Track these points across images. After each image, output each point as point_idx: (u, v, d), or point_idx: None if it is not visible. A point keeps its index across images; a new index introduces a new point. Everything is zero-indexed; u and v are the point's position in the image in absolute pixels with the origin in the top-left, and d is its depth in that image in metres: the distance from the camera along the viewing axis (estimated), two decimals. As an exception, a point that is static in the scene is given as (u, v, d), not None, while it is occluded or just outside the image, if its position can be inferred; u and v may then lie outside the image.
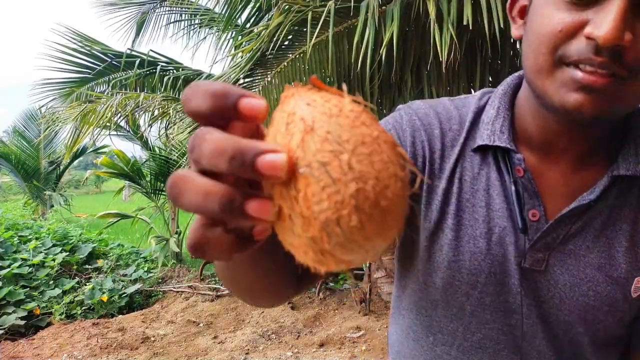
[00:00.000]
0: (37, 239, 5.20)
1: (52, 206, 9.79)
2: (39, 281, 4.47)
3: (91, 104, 4.30)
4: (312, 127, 0.24)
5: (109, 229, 6.96)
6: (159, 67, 5.12)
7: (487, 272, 0.56)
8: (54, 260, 4.79)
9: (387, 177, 0.23)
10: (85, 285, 4.61)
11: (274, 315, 4.12)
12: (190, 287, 4.95)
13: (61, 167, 10.56)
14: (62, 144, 6.00)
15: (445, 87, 3.11)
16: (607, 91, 0.44)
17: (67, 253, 5.16)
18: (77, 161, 11.65)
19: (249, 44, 3.23)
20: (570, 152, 0.54)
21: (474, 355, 0.59)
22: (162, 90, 4.91)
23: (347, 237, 0.23)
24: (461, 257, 0.57)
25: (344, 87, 0.26)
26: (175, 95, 4.91)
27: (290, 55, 3.20)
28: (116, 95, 4.37)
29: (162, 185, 6.37)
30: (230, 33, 4.31)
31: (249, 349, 3.44)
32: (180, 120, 3.83)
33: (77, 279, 4.82)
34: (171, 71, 5.16)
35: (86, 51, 5.19)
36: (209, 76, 4.54)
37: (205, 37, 5.07)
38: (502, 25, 2.15)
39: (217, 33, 4.68)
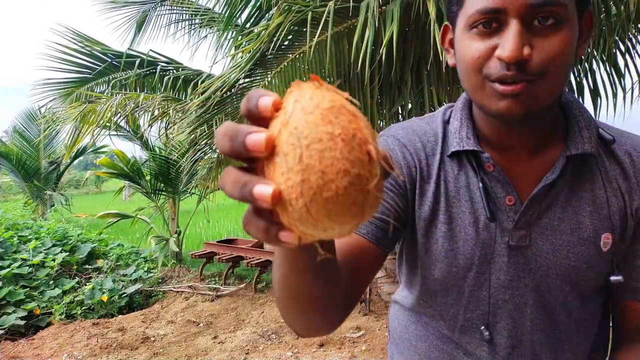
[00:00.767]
0: (37, 239, 5.19)
1: (53, 205, 9.79)
2: (39, 281, 4.47)
3: (91, 104, 4.31)
4: (288, 121, 0.28)
5: (108, 229, 6.96)
6: (159, 67, 5.12)
7: (480, 254, 0.65)
8: (54, 260, 4.78)
9: (333, 172, 0.27)
10: (85, 285, 4.61)
11: (274, 315, 4.12)
12: (190, 287, 4.96)
13: (61, 167, 10.56)
14: (62, 144, 6.00)
15: (445, 87, 3.11)
16: (524, 94, 0.55)
17: (67, 253, 5.16)
18: (77, 161, 11.65)
19: (249, 44, 3.23)
20: (525, 146, 0.64)
21: (475, 332, 0.68)
22: (162, 90, 4.91)
23: (299, 216, 0.28)
24: (456, 245, 0.66)
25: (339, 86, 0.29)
26: (175, 95, 4.91)
27: (290, 55, 3.20)
28: (116, 95, 4.37)
29: (162, 185, 6.38)
30: (230, 33, 4.32)
31: (249, 349, 3.44)
32: (180, 120, 3.83)
33: (77, 279, 4.83)
34: (171, 71, 5.15)
35: (86, 51, 5.19)
36: (209, 76, 4.54)
37: (205, 37, 5.08)
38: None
39: (217, 33, 4.68)
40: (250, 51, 3.19)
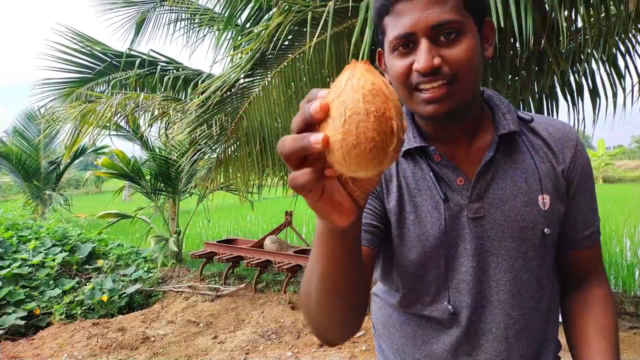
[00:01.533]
0: (36, 239, 5.19)
1: (52, 206, 9.79)
2: (39, 281, 4.47)
3: (91, 104, 4.30)
4: (340, 93, 0.39)
5: (108, 229, 6.96)
6: (159, 67, 5.12)
7: (446, 231, 0.76)
8: (53, 260, 4.78)
9: (363, 138, 0.38)
10: (85, 285, 4.61)
11: (274, 315, 4.12)
12: (190, 287, 4.95)
13: (61, 167, 10.56)
14: (62, 144, 6.00)
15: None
16: (444, 96, 0.68)
17: (67, 253, 5.16)
18: (77, 161, 11.64)
19: (249, 44, 3.23)
20: (461, 136, 0.77)
21: (456, 299, 0.77)
22: (162, 90, 4.91)
23: (338, 160, 0.39)
24: (425, 229, 0.77)
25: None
26: (175, 95, 4.91)
27: (290, 55, 3.20)
28: (116, 95, 4.37)
29: (162, 185, 6.38)
30: (230, 33, 4.31)
31: (249, 349, 3.44)
32: (180, 120, 3.83)
33: (77, 279, 4.83)
34: (171, 71, 5.15)
35: (86, 51, 5.19)
36: (209, 76, 4.54)
37: (205, 37, 5.07)
38: (502, 25, 2.15)
39: (217, 33, 4.68)
40: (250, 51, 3.19)
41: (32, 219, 8.89)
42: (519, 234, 0.75)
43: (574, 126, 3.60)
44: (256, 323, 4.00)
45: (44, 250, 5.02)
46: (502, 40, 2.75)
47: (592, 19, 2.49)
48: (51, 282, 4.55)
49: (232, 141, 3.62)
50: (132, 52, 5.18)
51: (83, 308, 4.23)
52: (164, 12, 5.13)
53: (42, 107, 5.59)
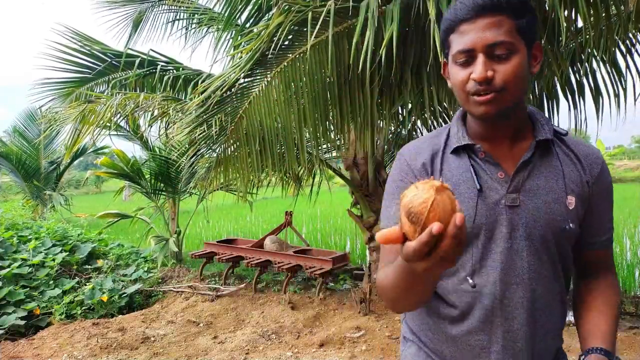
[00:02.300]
0: (36, 239, 5.19)
1: (53, 206, 9.79)
2: (39, 281, 4.46)
3: (91, 104, 4.30)
4: (409, 199, 0.60)
5: (108, 228, 6.96)
6: (158, 67, 5.12)
7: (487, 213, 0.90)
8: (53, 260, 4.78)
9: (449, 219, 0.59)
10: (85, 285, 4.61)
11: (274, 315, 4.12)
12: (190, 287, 4.95)
13: (61, 167, 10.55)
14: (62, 144, 5.99)
15: (445, 88, 3.11)
16: (492, 101, 0.84)
17: (67, 253, 5.16)
18: (77, 161, 11.64)
19: (248, 44, 3.23)
20: (504, 136, 0.92)
21: (489, 275, 0.91)
22: (162, 90, 4.91)
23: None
24: (472, 209, 0.91)
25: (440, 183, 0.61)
26: (175, 95, 4.91)
27: (290, 55, 3.20)
28: (116, 95, 4.36)
29: (162, 185, 6.38)
30: (230, 32, 4.31)
31: (249, 349, 3.44)
32: (180, 120, 3.82)
33: (77, 279, 4.82)
34: (171, 71, 5.15)
35: (86, 51, 5.19)
36: (209, 76, 4.54)
37: (204, 36, 5.07)
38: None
39: (217, 32, 4.68)
40: (250, 51, 3.19)
41: (32, 218, 8.89)
42: (547, 224, 0.89)
43: (574, 126, 3.60)
44: (256, 323, 3.99)
45: (44, 250, 5.02)
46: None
47: (592, 19, 2.49)
48: (51, 282, 4.55)
49: (231, 141, 3.62)
50: (132, 52, 5.18)
51: (83, 308, 4.23)
52: (162, 11, 5.13)
53: (42, 107, 5.59)
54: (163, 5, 5.08)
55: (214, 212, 11.80)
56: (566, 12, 2.47)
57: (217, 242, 5.75)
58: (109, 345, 3.48)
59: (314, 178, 5.16)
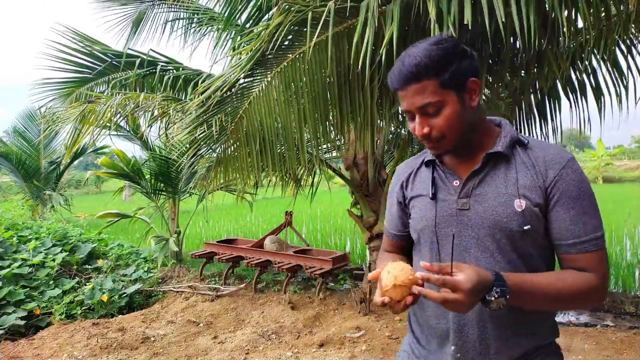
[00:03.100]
0: (37, 239, 5.19)
1: (53, 206, 9.78)
2: (39, 281, 4.46)
3: (91, 104, 4.30)
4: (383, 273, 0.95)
5: (108, 228, 6.96)
6: (158, 67, 5.12)
7: (443, 215, 1.07)
8: (53, 260, 4.78)
9: (396, 294, 0.91)
10: (85, 285, 4.61)
11: (274, 315, 4.12)
12: (190, 287, 4.95)
13: (61, 167, 10.55)
14: (62, 144, 5.99)
15: (445, 87, 3.10)
16: (435, 147, 1.04)
17: (67, 253, 5.16)
18: (77, 161, 11.63)
19: (249, 44, 3.22)
20: (462, 156, 1.08)
21: (444, 262, 1.01)
22: (162, 90, 4.91)
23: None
24: (423, 214, 1.11)
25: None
26: (175, 95, 4.91)
27: (290, 55, 3.20)
28: (116, 95, 4.36)
29: (162, 185, 6.37)
30: (230, 32, 4.31)
31: (249, 349, 3.44)
32: (180, 120, 3.82)
33: (77, 279, 4.82)
34: (171, 71, 5.15)
35: (86, 51, 5.18)
36: (209, 76, 4.54)
37: (204, 36, 5.07)
38: (502, 25, 2.15)
39: (217, 32, 4.67)
40: (250, 51, 3.19)
41: (32, 218, 8.89)
42: (493, 225, 1.01)
43: (575, 126, 3.60)
44: (256, 323, 3.99)
45: (44, 250, 5.02)
46: (502, 40, 2.74)
47: (592, 19, 2.49)
48: (51, 282, 4.55)
49: (231, 141, 3.62)
50: (132, 52, 5.18)
51: (83, 308, 4.23)
52: (162, 11, 5.13)
53: (42, 107, 5.59)
54: (163, 5, 5.07)
55: (214, 212, 11.79)
56: (566, 12, 2.47)
57: (217, 242, 5.75)
58: (109, 345, 3.48)
59: (313, 178, 5.16)
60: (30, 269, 4.57)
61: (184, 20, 5.18)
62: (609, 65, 3.30)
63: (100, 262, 5.26)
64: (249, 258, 5.01)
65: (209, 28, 5.03)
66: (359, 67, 2.62)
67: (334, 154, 5.23)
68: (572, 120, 3.57)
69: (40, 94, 5.25)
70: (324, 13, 2.64)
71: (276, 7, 3.01)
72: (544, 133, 3.93)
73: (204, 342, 3.63)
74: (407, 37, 2.96)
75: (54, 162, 10.34)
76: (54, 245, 5.21)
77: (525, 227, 0.98)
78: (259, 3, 3.71)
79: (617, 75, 3.31)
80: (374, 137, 3.76)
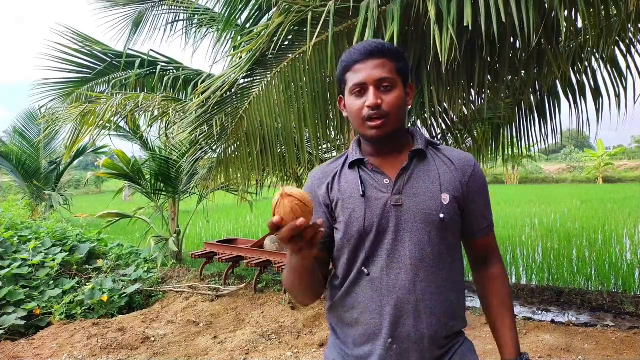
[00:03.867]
0: (36, 239, 5.19)
1: (52, 207, 9.78)
2: (39, 281, 4.47)
3: (91, 104, 4.30)
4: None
5: (108, 228, 6.96)
6: (159, 67, 5.12)
7: (378, 213, 1.10)
8: (53, 260, 4.78)
9: (290, 216, 0.85)
10: (85, 285, 4.61)
11: (274, 315, 4.12)
12: (190, 287, 4.95)
13: (61, 167, 10.55)
14: (62, 144, 5.99)
15: (445, 87, 3.11)
16: (382, 126, 1.08)
17: (67, 253, 5.16)
18: (77, 161, 11.64)
19: (248, 44, 3.23)
20: (390, 153, 1.15)
21: (377, 262, 1.10)
22: (162, 90, 4.91)
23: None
24: (355, 213, 1.12)
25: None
26: (176, 95, 4.91)
27: (290, 55, 3.20)
28: (116, 95, 4.36)
29: (162, 185, 6.37)
30: (230, 33, 4.31)
31: (249, 349, 3.44)
32: (180, 120, 3.82)
33: (77, 279, 4.82)
34: (171, 71, 5.15)
35: (86, 51, 5.19)
36: (209, 76, 4.54)
37: (205, 37, 5.07)
38: (502, 25, 2.15)
39: (217, 32, 4.68)
40: (250, 51, 3.19)
41: (31, 218, 8.89)
42: (425, 218, 1.08)
43: (575, 126, 3.60)
44: (256, 323, 3.99)
45: (44, 250, 5.02)
46: (502, 40, 2.74)
47: (592, 19, 2.49)
48: (51, 282, 4.55)
49: (232, 141, 3.62)
50: (132, 52, 5.18)
51: (83, 308, 4.23)
52: (163, 11, 5.13)
53: (42, 107, 5.59)
54: (163, 6, 5.08)
55: (214, 212, 11.79)
56: (566, 12, 2.47)
57: (217, 242, 5.75)
58: (109, 345, 3.48)
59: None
60: (30, 269, 4.57)
61: (184, 21, 5.18)
62: (608, 65, 3.30)
63: (100, 262, 5.26)
64: (249, 258, 5.01)
65: (209, 29, 5.03)
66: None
67: (334, 154, 5.23)
68: (571, 120, 3.57)
69: (41, 94, 5.26)
70: (324, 13, 2.64)
71: (276, 7, 3.01)
72: (544, 133, 3.93)
73: (204, 342, 3.63)
74: (407, 37, 2.96)
75: (54, 162, 10.34)
76: (53, 245, 5.22)
77: (450, 218, 1.10)
78: (259, 3, 3.71)
79: (616, 75, 3.32)
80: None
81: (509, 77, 3.35)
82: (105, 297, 4.31)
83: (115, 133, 6.23)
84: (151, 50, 5.10)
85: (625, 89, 3.29)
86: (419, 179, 1.11)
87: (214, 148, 3.73)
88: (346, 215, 1.12)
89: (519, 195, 17.90)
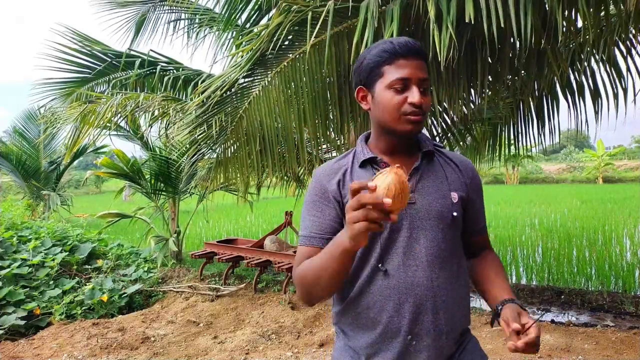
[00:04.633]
0: (36, 239, 5.19)
1: (44, 203, 9.78)
2: (39, 281, 4.47)
3: (91, 104, 4.30)
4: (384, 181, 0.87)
5: (108, 228, 6.96)
6: (159, 67, 5.12)
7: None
8: (53, 260, 4.78)
9: (399, 193, 0.84)
10: (85, 285, 4.61)
11: (274, 315, 4.12)
12: (190, 287, 4.95)
13: (61, 167, 10.55)
14: (62, 144, 5.99)
15: (445, 87, 3.11)
16: (420, 122, 1.10)
17: (67, 253, 5.16)
18: (77, 161, 11.64)
19: (248, 44, 3.23)
20: (402, 151, 1.18)
21: (393, 260, 1.10)
22: (162, 90, 4.91)
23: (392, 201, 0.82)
24: None
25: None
26: (176, 95, 4.91)
27: (290, 55, 3.20)
28: (116, 95, 4.37)
29: (162, 185, 6.38)
30: (230, 33, 4.31)
31: (249, 349, 3.44)
32: (180, 120, 3.83)
33: (77, 279, 4.82)
34: (171, 71, 5.15)
35: (86, 51, 5.19)
36: (209, 76, 4.54)
37: (205, 37, 5.07)
38: (502, 25, 2.15)
39: (217, 33, 4.68)
40: (250, 51, 3.19)
41: (31, 218, 8.89)
42: (438, 215, 1.11)
43: (575, 126, 3.60)
44: (256, 323, 3.99)
45: (44, 250, 5.02)
46: (502, 41, 2.74)
47: (591, 19, 2.49)
48: (51, 282, 4.55)
49: (232, 141, 3.62)
50: (132, 52, 5.18)
51: (83, 308, 4.23)
52: (163, 12, 5.13)
53: (42, 107, 5.59)
54: (164, 7, 5.08)
55: (214, 212, 11.79)
56: (566, 12, 2.47)
57: (217, 242, 5.75)
58: (109, 345, 3.48)
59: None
60: (30, 269, 4.57)
61: (185, 22, 5.18)
62: (607, 66, 3.30)
63: (100, 262, 5.26)
64: (249, 258, 5.01)
65: (210, 29, 5.03)
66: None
67: (334, 154, 5.23)
68: (570, 120, 3.57)
69: (41, 94, 5.26)
70: (323, 13, 2.64)
71: (276, 7, 3.01)
72: (542, 133, 3.93)
73: (204, 342, 3.63)
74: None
75: (54, 162, 10.34)
76: (53, 245, 5.22)
77: (459, 216, 1.15)
78: (258, 3, 3.71)
79: (616, 76, 3.31)
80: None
81: (509, 77, 3.35)
82: (105, 297, 4.31)
83: (115, 133, 6.23)
84: (151, 50, 5.11)
85: (624, 89, 3.29)
86: (429, 178, 1.15)
87: (213, 148, 3.73)
88: None
89: (519, 195, 17.89)
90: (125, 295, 4.58)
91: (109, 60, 5.22)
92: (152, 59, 5.17)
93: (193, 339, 3.71)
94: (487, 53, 2.89)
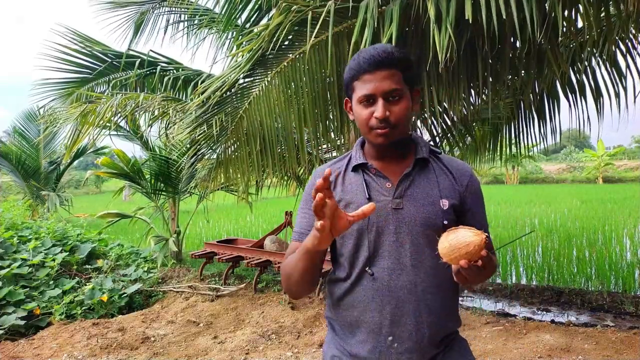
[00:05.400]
0: (36, 239, 5.19)
1: (45, 204, 9.79)
2: (39, 281, 4.47)
3: (91, 104, 4.30)
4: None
5: (108, 228, 6.95)
6: (159, 67, 5.12)
7: (378, 215, 1.14)
8: (53, 260, 4.78)
9: (462, 254, 0.93)
10: (85, 285, 4.61)
11: (274, 315, 4.12)
12: (190, 287, 4.95)
13: (61, 167, 10.55)
14: (62, 144, 6.00)
15: (445, 87, 3.11)
16: (388, 134, 1.10)
17: (67, 253, 5.16)
18: (77, 161, 11.64)
19: (249, 44, 3.23)
20: (393, 158, 1.20)
21: (379, 264, 1.14)
22: (162, 90, 4.91)
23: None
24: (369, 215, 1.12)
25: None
26: (176, 95, 4.91)
27: (290, 55, 3.20)
28: (116, 95, 4.37)
29: (162, 185, 6.38)
30: (230, 33, 4.31)
31: (249, 349, 3.44)
32: (180, 120, 3.83)
33: (77, 279, 4.82)
34: (171, 71, 5.15)
35: (86, 51, 5.19)
36: (209, 76, 4.54)
37: (205, 37, 5.07)
38: (504, 18, 2.15)
39: (217, 33, 4.68)
40: (250, 51, 3.19)
41: (31, 218, 8.89)
42: (424, 222, 1.12)
43: (575, 126, 3.60)
44: (256, 323, 3.99)
45: (44, 250, 5.02)
46: (502, 40, 2.74)
47: (592, 19, 2.49)
48: (51, 282, 4.55)
49: (232, 141, 3.62)
50: (132, 53, 5.18)
51: (83, 308, 4.23)
52: (163, 12, 5.13)
53: (42, 107, 5.59)
54: (164, 7, 5.08)
55: (214, 212, 11.79)
56: (566, 12, 2.47)
57: (217, 242, 5.75)
58: (109, 345, 3.48)
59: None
60: (30, 269, 4.57)
61: (185, 22, 5.18)
62: (608, 65, 3.30)
63: (100, 262, 5.26)
64: (249, 258, 5.01)
65: (210, 29, 5.03)
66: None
67: (334, 154, 5.23)
68: (571, 120, 3.57)
69: (41, 94, 5.26)
70: (323, 13, 2.64)
71: (276, 7, 3.01)
72: (542, 133, 3.93)
73: (204, 342, 3.63)
74: (407, 37, 2.96)
75: (54, 162, 10.34)
76: (53, 245, 5.21)
77: (449, 223, 1.14)
78: (258, 3, 3.71)
79: (616, 75, 3.31)
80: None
81: (509, 77, 3.35)
82: (105, 297, 4.31)
83: (115, 133, 6.24)
84: (151, 50, 5.11)
85: (625, 89, 3.29)
86: (420, 185, 1.16)
87: (214, 148, 3.73)
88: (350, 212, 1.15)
89: (519, 195, 17.89)
90: (125, 295, 4.58)
91: (109, 60, 5.23)
92: (152, 59, 5.17)
93: (193, 339, 3.71)
94: (487, 53, 2.89)
